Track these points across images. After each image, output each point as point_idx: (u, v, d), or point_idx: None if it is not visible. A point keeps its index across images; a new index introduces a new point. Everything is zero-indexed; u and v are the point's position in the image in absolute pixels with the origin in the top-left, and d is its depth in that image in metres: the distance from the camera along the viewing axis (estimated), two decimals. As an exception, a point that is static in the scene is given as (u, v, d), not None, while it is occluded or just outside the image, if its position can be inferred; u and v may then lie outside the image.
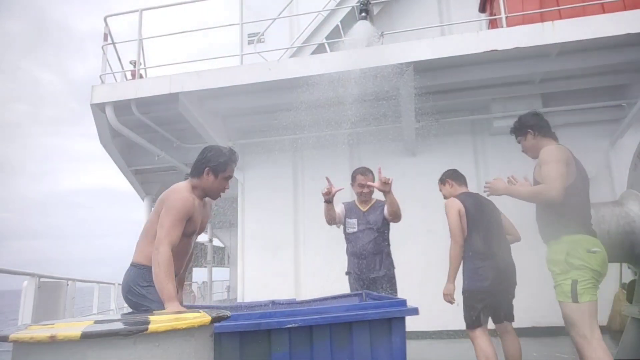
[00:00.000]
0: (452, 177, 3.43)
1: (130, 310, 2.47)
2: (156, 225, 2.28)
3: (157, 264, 2.13)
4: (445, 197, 3.40)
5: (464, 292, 3.06)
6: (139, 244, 2.44)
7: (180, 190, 2.35)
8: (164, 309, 2.09)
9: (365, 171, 3.64)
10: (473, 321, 3.01)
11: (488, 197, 3.15)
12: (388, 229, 3.61)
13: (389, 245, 3.61)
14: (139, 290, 2.31)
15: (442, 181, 3.50)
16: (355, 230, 3.59)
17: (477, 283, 2.99)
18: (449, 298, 3.08)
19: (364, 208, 3.65)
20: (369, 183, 3.49)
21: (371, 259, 3.49)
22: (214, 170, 2.40)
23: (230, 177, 2.50)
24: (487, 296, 2.99)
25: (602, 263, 2.57)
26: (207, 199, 2.56)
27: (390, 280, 3.50)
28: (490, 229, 3.11)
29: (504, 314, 3.16)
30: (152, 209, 2.49)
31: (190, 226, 2.36)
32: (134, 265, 2.40)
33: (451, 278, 3.05)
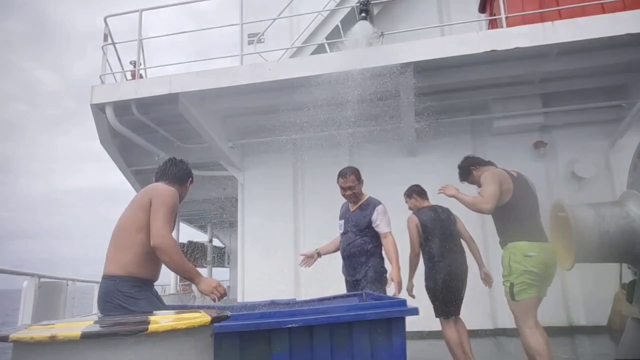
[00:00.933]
0: (417, 192, 4.01)
1: None
2: (136, 221, 2.21)
3: (168, 248, 2.12)
4: (410, 209, 3.99)
5: (426, 290, 3.70)
6: (112, 252, 2.28)
7: (168, 187, 2.39)
8: None
9: (345, 173, 3.51)
10: (439, 313, 3.65)
11: (444, 207, 3.92)
12: (373, 230, 3.43)
13: (375, 246, 3.41)
14: (117, 302, 2.15)
15: (409, 195, 4.02)
16: (342, 231, 3.58)
17: (432, 282, 3.65)
18: (409, 293, 3.72)
19: (352, 208, 3.58)
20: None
21: (354, 261, 3.41)
22: (191, 182, 2.67)
23: None
24: (441, 292, 3.60)
25: (540, 265, 3.01)
26: None
27: (374, 283, 3.30)
28: (442, 238, 3.73)
29: (455, 309, 3.70)
30: (128, 208, 2.33)
31: (173, 223, 2.32)
32: (107, 277, 2.22)
33: (410, 277, 3.80)
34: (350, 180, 3.47)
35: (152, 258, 2.19)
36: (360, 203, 3.53)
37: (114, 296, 2.16)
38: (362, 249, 3.39)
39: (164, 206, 2.21)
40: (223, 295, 2.22)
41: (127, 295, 2.15)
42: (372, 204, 3.48)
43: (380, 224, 3.38)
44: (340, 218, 3.65)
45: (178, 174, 2.56)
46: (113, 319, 1.55)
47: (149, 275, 2.27)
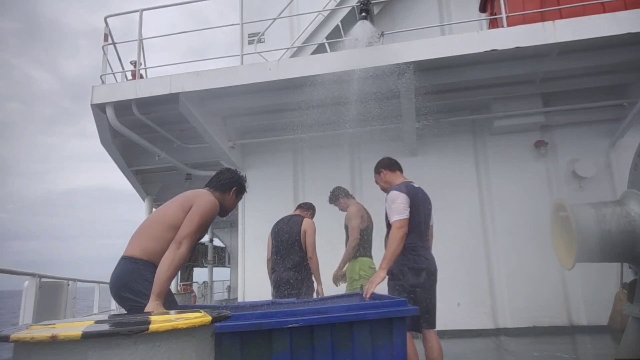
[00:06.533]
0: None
1: (121, 307, 2.31)
2: (173, 219, 2.24)
3: (173, 258, 2.11)
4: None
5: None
6: (140, 236, 2.29)
7: (211, 196, 2.43)
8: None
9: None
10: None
11: None
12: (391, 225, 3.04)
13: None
14: (137, 287, 2.15)
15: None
16: None
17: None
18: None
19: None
20: None
21: None
22: (238, 191, 2.64)
23: (240, 200, 2.74)
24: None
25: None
26: None
27: (392, 279, 3.02)
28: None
29: None
30: (170, 204, 2.37)
31: (202, 232, 2.36)
32: (129, 258, 2.22)
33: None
34: (375, 178, 3.42)
35: None
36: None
37: (135, 279, 2.16)
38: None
39: (199, 215, 2.26)
40: None
41: (150, 281, 2.13)
42: (390, 190, 3.13)
43: (390, 214, 3.01)
44: None
45: (221, 181, 2.60)
46: (114, 319, 1.55)
47: None
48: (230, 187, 2.60)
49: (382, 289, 2.96)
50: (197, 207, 2.27)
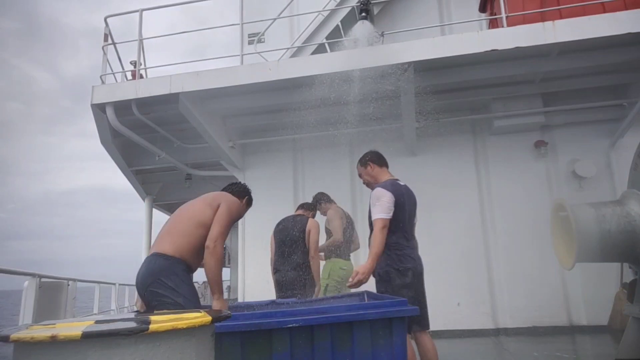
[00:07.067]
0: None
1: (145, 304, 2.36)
2: (203, 216, 2.39)
3: (216, 258, 2.31)
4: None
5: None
6: (170, 234, 2.39)
7: (237, 199, 2.68)
8: (190, 305, 2.18)
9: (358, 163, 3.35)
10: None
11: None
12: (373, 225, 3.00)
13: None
14: (169, 282, 2.23)
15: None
16: None
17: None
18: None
19: None
20: None
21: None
22: (248, 202, 2.91)
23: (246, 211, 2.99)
24: None
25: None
26: None
27: (379, 283, 2.94)
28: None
29: None
30: (196, 203, 2.53)
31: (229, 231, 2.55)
32: (161, 255, 2.30)
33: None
34: (358, 169, 3.33)
35: (200, 252, 2.37)
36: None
37: (167, 275, 2.26)
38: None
39: (228, 214, 2.45)
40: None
41: (180, 277, 2.28)
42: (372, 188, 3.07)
43: (373, 211, 2.90)
44: None
45: (236, 189, 2.86)
46: (114, 319, 1.55)
47: (194, 266, 2.43)
48: (244, 195, 2.85)
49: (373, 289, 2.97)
50: (225, 207, 2.45)
